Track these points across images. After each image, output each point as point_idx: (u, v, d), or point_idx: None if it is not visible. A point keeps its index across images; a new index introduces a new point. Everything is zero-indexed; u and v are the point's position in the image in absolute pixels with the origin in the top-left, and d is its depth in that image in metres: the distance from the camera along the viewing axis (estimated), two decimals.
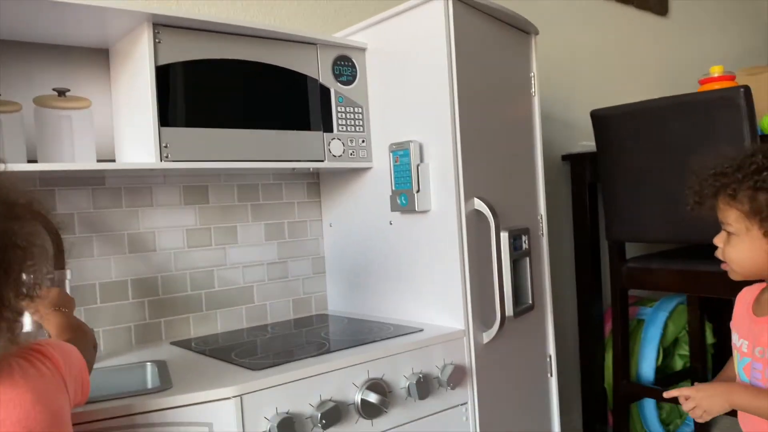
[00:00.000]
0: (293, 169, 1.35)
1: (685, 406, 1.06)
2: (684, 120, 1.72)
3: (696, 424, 2.30)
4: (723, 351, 2.46)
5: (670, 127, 1.75)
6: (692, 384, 2.27)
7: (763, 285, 1.16)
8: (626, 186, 1.88)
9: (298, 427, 1.01)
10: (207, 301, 1.44)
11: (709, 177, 1.08)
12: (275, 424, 0.98)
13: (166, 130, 1.16)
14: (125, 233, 1.34)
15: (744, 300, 1.17)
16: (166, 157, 1.15)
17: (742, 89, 1.61)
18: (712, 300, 2.40)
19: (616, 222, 1.93)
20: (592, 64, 2.44)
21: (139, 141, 1.20)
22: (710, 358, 2.40)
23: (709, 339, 2.33)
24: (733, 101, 1.61)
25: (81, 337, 0.89)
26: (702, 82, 2.01)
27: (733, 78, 1.97)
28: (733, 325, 1.16)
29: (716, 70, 1.99)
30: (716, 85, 1.93)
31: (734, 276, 1.08)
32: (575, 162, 2.24)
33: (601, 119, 1.93)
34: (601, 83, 2.45)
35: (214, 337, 1.39)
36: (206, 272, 1.44)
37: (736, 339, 1.11)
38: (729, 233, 1.05)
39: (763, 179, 1.00)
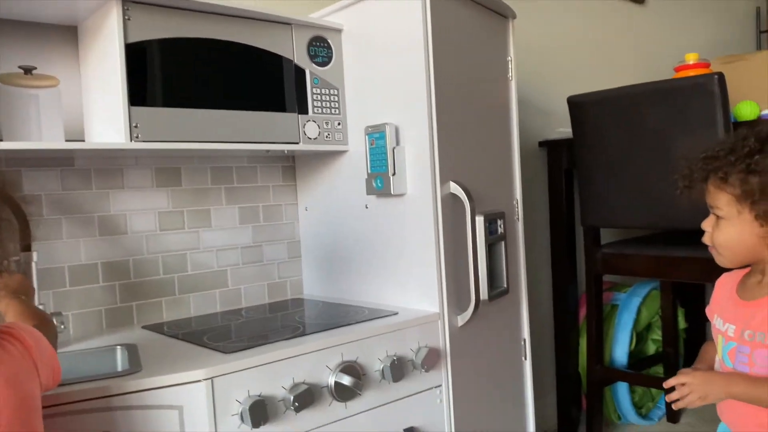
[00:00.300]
0: (267, 151, 1.33)
1: (681, 391, 1.05)
2: (659, 106, 1.73)
3: (668, 407, 2.34)
4: (695, 336, 2.51)
5: (645, 114, 1.76)
6: (665, 369, 2.33)
7: (745, 270, 1.17)
8: (601, 172, 1.89)
9: (270, 410, 1.00)
10: (180, 285, 1.42)
11: (699, 161, 1.07)
12: (247, 407, 0.97)
13: (136, 109, 1.13)
14: (95, 215, 1.31)
15: (726, 285, 1.17)
16: (137, 137, 1.13)
17: (716, 76, 1.62)
18: (684, 286, 2.43)
19: (591, 208, 1.95)
20: (570, 51, 2.45)
21: (108, 121, 1.17)
22: (682, 343, 2.44)
23: (682, 324, 2.37)
24: (707, 88, 1.63)
25: (45, 326, 0.85)
26: (677, 70, 2.03)
27: (708, 66, 1.99)
28: (713, 310, 1.17)
29: (691, 58, 2.00)
30: (691, 73, 1.95)
31: (721, 261, 1.07)
32: (552, 148, 2.25)
33: (577, 105, 1.93)
34: (578, 70, 2.45)
35: (187, 321, 1.37)
36: (179, 256, 1.42)
37: (720, 324, 1.11)
38: (718, 217, 1.04)
39: (756, 162, 0.99)
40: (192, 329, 1.29)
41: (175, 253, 1.41)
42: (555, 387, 2.27)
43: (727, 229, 1.03)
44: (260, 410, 0.98)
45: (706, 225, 1.07)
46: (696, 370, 1.08)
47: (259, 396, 1.00)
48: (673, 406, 1.07)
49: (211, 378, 0.96)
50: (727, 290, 1.16)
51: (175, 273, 1.41)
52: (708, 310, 1.22)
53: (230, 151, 1.28)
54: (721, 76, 1.62)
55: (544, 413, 2.29)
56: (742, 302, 1.09)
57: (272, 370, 1.03)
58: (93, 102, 1.24)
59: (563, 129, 2.17)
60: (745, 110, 1.79)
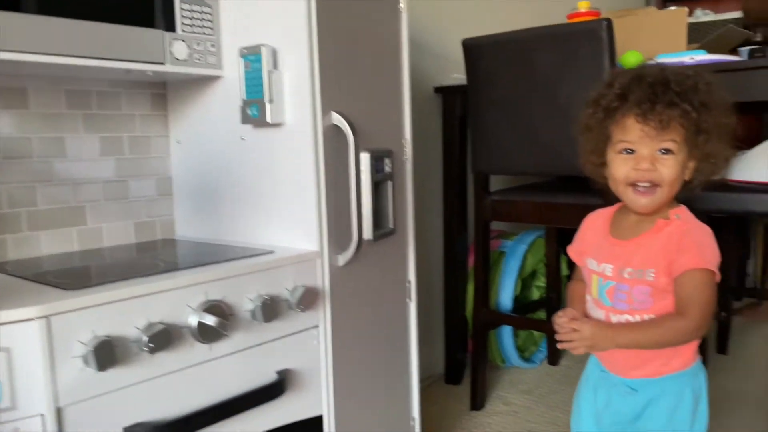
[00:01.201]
0: (128, 71, 1.19)
1: (570, 336, 1.04)
2: (549, 51, 1.73)
3: (549, 349, 2.43)
4: None
5: (537, 59, 1.75)
6: (547, 314, 2.41)
7: (613, 209, 1.18)
8: (492, 118, 1.88)
9: (120, 352, 0.90)
10: (29, 221, 1.26)
11: (615, 98, 1.03)
12: (91, 348, 0.86)
13: None
14: None
15: (595, 225, 1.18)
16: None
17: (604, 22, 1.63)
18: (568, 234, 2.51)
19: (481, 154, 1.94)
20: None
21: None
22: (564, 289, 2.53)
23: (564, 271, 2.45)
24: (596, 33, 1.63)
25: None
26: (570, 17, 2.03)
27: (598, 14, 2.01)
28: (584, 252, 1.17)
29: (583, 6, 2.01)
30: (582, 20, 1.95)
31: (652, 202, 1.02)
32: (447, 94, 2.22)
33: (471, 49, 1.90)
34: (476, 14, 2.42)
35: (36, 260, 1.23)
36: (27, 188, 1.25)
37: (594, 265, 1.11)
38: (665, 152, 1.00)
39: (711, 98, 1.00)
40: (41, 269, 1.15)
41: (21, 184, 1.24)
42: (444, 332, 2.30)
43: (673, 164, 1.01)
44: (107, 352, 0.88)
45: (645, 164, 1.01)
46: (584, 321, 1.06)
47: (106, 337, 0.89)
48: (558, 346, 1.07)
49: (47, 316, 0.84)
50: (598, 230, 1.16)
51: (23, 207, 1.25)
52: (573, 251, 1.22)
53: (82, 68, 1.12)
54: (609, 22, 1.62)
55: (433, 357, 2.32)
56: (618, 241, 1.10)
57: (124, 309, 0.92)
58: None
59: (458, 75, 2.13)
60: (631, 59, 1.81)
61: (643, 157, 1.01)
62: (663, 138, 1.00)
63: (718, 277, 1.01)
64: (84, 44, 1.09)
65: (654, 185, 1.01)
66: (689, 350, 1.08)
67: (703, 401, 1.10)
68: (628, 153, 1.03)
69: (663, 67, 1.05)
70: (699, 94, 1.00)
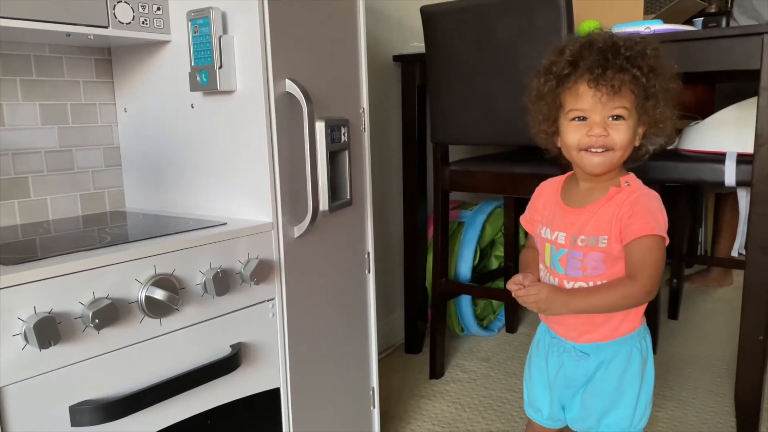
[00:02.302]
0: (68, 35, 1.12)
1: (526, 296, 1.05)
2: (507, 19, 1.71)
3: (507, 318, 2.47)
4: None
5: (494, 26, 1.73)
6: (505, 283, 2.44)
7: (563, 178, 1.18)
8: (450, 87, 1.86)
9: (63, 328, 0.87)
10: None
11: (566, 65, 1.03)
12: (31, 326, 0.83)
13: None
14: None
15: (546, 194, 1.19)
16: None
17: None
18: (526, 204, 2.54)
19: (440, 124, 1.92)
20: None
21: None
22: None
23: (522, 241, 2.47)
24: (554, 2, 1.62)
25: None
26: None
27: None
28: (536, 220, 1.18)
29: None
30: None
31: (604, 166, 1.04)
32: (406, 63, 2.19)
33: (429, 17, 1.87)
34: None
35: None
36: None
37: (548, 233, 1.12)
38: (616, 118, 1.01)
39: (659, 64, 1.01)
40: None
41: None
42: (404, 302, 2.31)
43: (625, 129, 1.02)
44: (48, 328, 0.84)
45: (598, 130, 1.01)
46: (541, 284, 1.08)
47: (48, 313, 0.86)
48: (514, 295, 1.08)
49: None
50: (549, 198, 1.17)
51: None
52: (525, 220, 1.23)
53: (18, 30, 1.05)
54: None
55: (394, 328, 2.33)
56: (571, 209, 1.11)
57: (67, 284, 0.89)
58: None
59: (418, 43, 2.10)
60: (588, 27, 1.81)
61: (595, 123, 1.02)
62: (614, 104, 1.01)
63: (666, 242, 1.03)
64: (21, 5, 1.02)
65: (607, 150, 1.02)
66: (637, 314, 1.11)
67: (650, 362, 1.13)
68: (581, 120, 1.03)
69: (612, 34, 1.05)
70: (647, 59, 1.01)
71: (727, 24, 2.20)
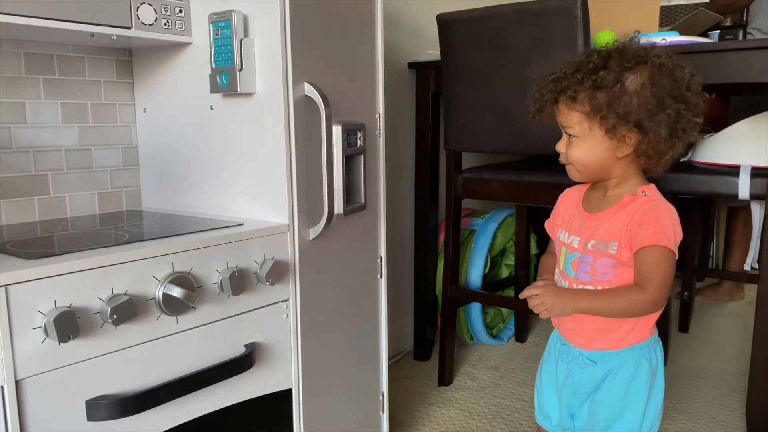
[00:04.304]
0: (92, 35, 1.14)
1: (532, 301, 1.07)
2: (523, 28, 1.72)
3: (517, 327, 2.46)
4: None
5: (510, 35, 1.74)
6: (516, 292, 2.44)
7: (588, 185, 1.19)
8: (465, 95, 1.87)
9: (82, 323, 0.88)
10: None
11: (548, 83, 1.08)
12: (51, 319, 0.84)
13: None
14: None
15: (570, 199, 1.20)
16: None
17: (579, 0, 1.62)
18: (537, 213, 2.54)
19: (453, 131, 1.93)
20: None
21: None
22: (533, 268, 2.56)
23: (533, 250, 2.47)
24: (571, 11, 1.63)
25: None
26: None
27: None
28: (557, 225, 1.19)
29: None
30: None
31: (578, 177, 1.11)
32: (421, 70, 2.20)
33: (445, 24, 1.88)
34: None
35: None
36: None
37: (565, 237, 1.14)
38: (570, 136, 1.07)
39: (601, 78, 1.01)
40: (0, 239, 1.11)
41: None
42: (413, 309, 2.31)
43: (581, 146, 1.06)
44: (68, 322, 0.85)
45: (560, 146, 1.09)
46: (546, 284, 1.11)
47: (68, 307, 0.87)
48: (542, 316, 1.08)
49: (5, 285, 0.81)
50: (571, 204, 1.19)
51: None
52: (549, 224, 1.25)
53: (44, 30, 1.07)
54: (584, 0, 1.62)
55: (403, 334, 2.33)
56: (587, 215, 1.12)
57: (87, 279, 0.90)
58: None
59: (433, 51, 2.12)
60: (604, 39, 1.82)
61: (561, 139, 1.10)
62: (566, 123, 1.07)
63: (676, 256, 1.03)
64: (47, 5, 1.04)
65: (569, 164, 1.10)
66: (647, 324, 1.11)
67: (660, 373, 1.13)
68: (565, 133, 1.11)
69: (611, 49, 1.06)
70: (625, 76, 1.01)
71: (744, 37, 2.20)
